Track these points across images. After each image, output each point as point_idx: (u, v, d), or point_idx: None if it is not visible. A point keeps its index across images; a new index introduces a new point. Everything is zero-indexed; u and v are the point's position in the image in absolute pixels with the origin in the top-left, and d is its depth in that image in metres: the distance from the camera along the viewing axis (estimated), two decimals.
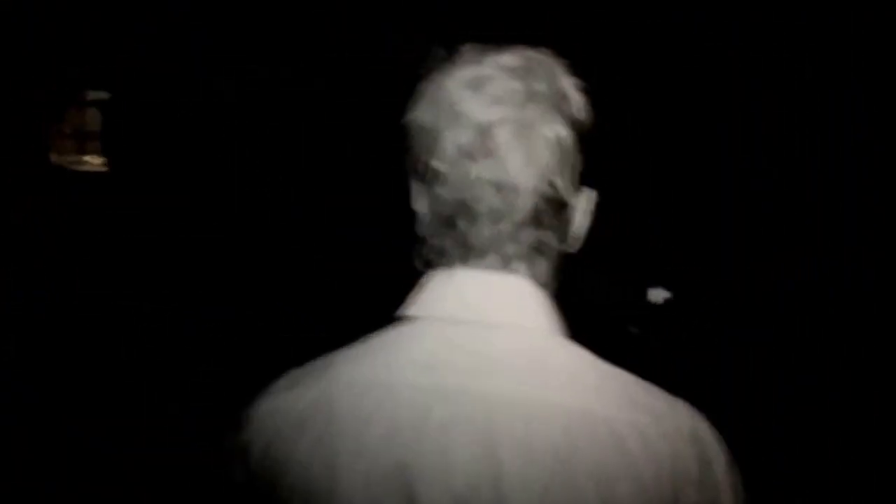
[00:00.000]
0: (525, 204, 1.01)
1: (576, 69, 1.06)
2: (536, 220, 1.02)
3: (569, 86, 1.06)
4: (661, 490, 0.94)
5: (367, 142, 6.38)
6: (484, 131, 1.00)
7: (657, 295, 3.91)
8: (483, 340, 0.98)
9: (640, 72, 5.25)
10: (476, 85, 1.01)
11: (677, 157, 5.03)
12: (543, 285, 1.05)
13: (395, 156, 1.18)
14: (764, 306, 4.69)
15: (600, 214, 1.14)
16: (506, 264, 1.02)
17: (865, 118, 4.82)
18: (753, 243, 4.90)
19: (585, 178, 1.08)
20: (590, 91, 1.08)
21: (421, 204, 1.06)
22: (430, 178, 1.03)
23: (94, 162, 9.39)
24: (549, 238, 1.05)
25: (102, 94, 8.52)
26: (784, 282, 4.79)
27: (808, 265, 4.86)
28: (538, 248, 1.04)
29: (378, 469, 0.93)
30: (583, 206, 1.10)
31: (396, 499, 0.91)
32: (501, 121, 1.00)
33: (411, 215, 1.13)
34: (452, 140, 1.00)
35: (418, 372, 0.96)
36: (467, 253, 1.03)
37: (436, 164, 1.02)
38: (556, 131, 1.02)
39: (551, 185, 1.02)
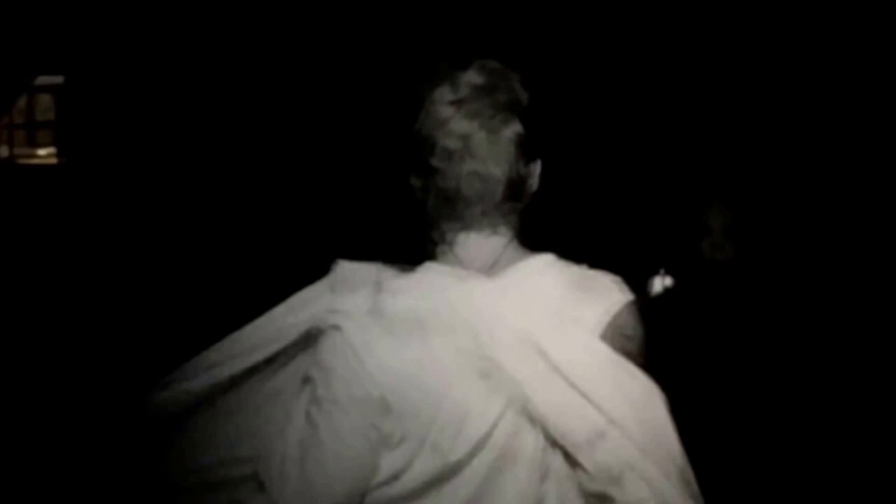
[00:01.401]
0: (501, 187, 1.45)
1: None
2: (510, 195, 1.47)
3: (520, 89, 1.49)
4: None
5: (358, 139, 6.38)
6: (466, 139, 1.43)
7: (660, 283, 3.89)
8: (459, 281, 1.46)
9: (640, 72, 5.28)
10: (458, 105, 1.43)
11: (677, 157, 5.06)
12: (516, 235, 1.51)
13: (391, 157, 1.59)
14: (763, 304, 4.72)
15: (599, 214, 1.62)
16: (494, 230, 1.48)
17: (865, 118, 4.85)
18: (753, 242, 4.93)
19: (539, 150, 1.51)
20: (536, 86, 1.49)
21: (424, 193, 1.49)
22: (430, 173, 1.46)
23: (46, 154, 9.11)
24: (517, 203, 1.50)
25: (55, 79, 8.12)
26: (783, 280, 4.82)
27: (807, 264, 4.91)
28: (511, 212, 1.49)
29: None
30: (535, 173, 1.53)
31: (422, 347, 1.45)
32: (478, 129, 1.43)
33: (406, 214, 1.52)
34: (444, 146, 1.43)
35: (425, 293, 1.46)
36: (462, 224, 1.47)
37: (435, 162, 1.44)
38: (515, 129, 1.45)
39: (517, 169, 1.46)
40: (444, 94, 1.47)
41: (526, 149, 1.48)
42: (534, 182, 1.54)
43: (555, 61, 5.40)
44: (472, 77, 1.48)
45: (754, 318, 4.24)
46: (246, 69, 6.68)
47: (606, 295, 1.49)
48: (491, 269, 1.48)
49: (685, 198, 4.20)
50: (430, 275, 1.50)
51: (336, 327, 1.50)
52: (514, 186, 1.48)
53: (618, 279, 1.54)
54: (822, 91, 5.33)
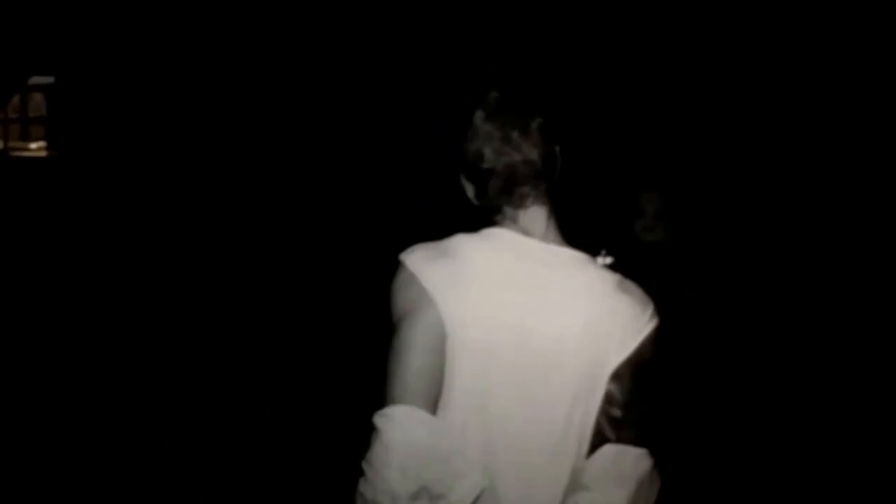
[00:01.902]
0: (539, 167, 1.79)
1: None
2: (546, 172, 1.81)
3: (535, 95, 1.84)
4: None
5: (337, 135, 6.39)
6: (507, 139, 1.79)
7: (601, 262, 3.92)
8: (527, 241, 1.81)
9: (641, 73, 5.30)
10: (493, 118, 1.81)
11: (675, 156, 5.08)
12: (553, 208, 1.85)
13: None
14: (761, 303, 4.76)
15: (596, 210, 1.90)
16: (541, 203, 1.81)
17: (865, 118, 4.88)
18: (750, 240, 4.97)
19: (557, 135, 1.84)
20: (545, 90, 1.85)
21: (480, 189, 1.82)
22: (485, 173, 1.80)
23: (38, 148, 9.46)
24: (552, 179, 1.83)
25: (47, 79, 8.58)
26: (781, 277, 4.87)
27: (801, 262, 4.94)
28: (548, 187, 1.82)
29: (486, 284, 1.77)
30: (558, 153, 1.85)
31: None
32: (513, 130, 1.80)
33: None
34: (491, 150, 1.80)
35: (504, 250, 1.79)
36: (518, 202, 1.81)
37: (487, 165, 1.80)
38: (539, 121, 1.80)
39: (547, 151, 1.80)
40: (480, 115, 1.84)
41: (548, 135, 1.83)
42: (559, 160, 1.87)
43: (499, 52, 5.49)
44: (494, 94, 1.85)
45: (753, 317, 4.26)
46: (222, 72, 6.77)
47: (644, 310, 1.81)
48: (544, 237, 1.84)
49: (622, 184, 4.32)
50: (495, 229, 1.84)
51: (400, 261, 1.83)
52: (549, 164, 1.82)
53: (650, 301, 1.83)
54: (748, 85, 5.39)
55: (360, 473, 1.67)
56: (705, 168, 5.05)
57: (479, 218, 1.86)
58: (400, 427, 1.69)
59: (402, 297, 1.79)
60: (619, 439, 1.75)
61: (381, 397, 1.65)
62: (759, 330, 4.69)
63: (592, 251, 1.87)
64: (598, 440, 1.76)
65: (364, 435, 1.65)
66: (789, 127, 5.24)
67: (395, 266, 1.74)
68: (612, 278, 1.83)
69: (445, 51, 5.74)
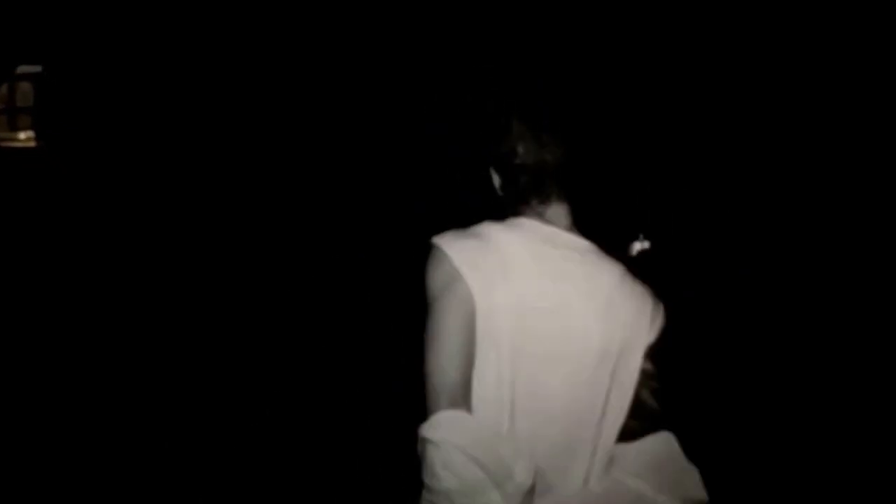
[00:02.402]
0: (565, 165, 1.93)
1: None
2: (570, 164, 1.94)
3: (537, 95, 2.01)
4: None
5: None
6: (538, 139, 1.94)
7: (638, 246, 4.05)
8: (552, 230, 1.94)
9: (640, 73, 5.30)
10: (527, 118, 1.96)
11: (675, 156, 5.09)
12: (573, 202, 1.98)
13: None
14: (761, 303, 4.78)
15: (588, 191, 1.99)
16: (564, 197, 1.95)
17: (865, 118, 4.90)
18: (750, 240, 4.99)
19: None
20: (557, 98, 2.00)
21: (510, 182, 1.96)
22: (517, 168, 1.94)
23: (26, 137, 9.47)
24: (571, 171, 1.97)
25: (35, 68, 8.57)
26: (781, 277, 4.89)
27: (801, 262, 4.96)
28: (569, 180, 1.96)
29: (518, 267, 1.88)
30: (582, 153, 2.00)
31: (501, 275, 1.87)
32: (541, 128, 1.94)
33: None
34: (524, 149, 1.94)
35: (532, 238, 1.91)
36: (545, 197, 1.94)
37: (519, 161, 1.95)
38: (557, 120, 1.94)
39: (568, 145, 1.94)
40: (513, 116, 1.99)
41: (573, 136, 1.97)
42: (582, 160, 2.02)
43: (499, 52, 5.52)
44: (518, 101, 2.01)
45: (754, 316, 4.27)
46: (216, 67, 6.79)
47: (656, 304, 1.97)
48: (566, 230, 1.97)
49: (637, 177, 4.38)
50: (522, 219, 1.97)
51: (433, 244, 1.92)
52: (573, 163, 1.97)
53: (659, 301, 1.98)
54: (746, 85, 5.44)
55: (418, 490, 1.71)
56: (704, 168, 5.07)
57: (482, 217, 1.95)
58: (451, 430, 1.72)
59: (435, 276, 1.87)
60: (660, 409, 1.93)
61: (379, 398, 1.64)
62: (759, 329, 4.72)
63: (608, 241, 1.95)
64: (632, 418, 1.90)
65: (362, 435, 1.65)
66: (789, 127, 5.26)
67: (393, 266, 1.71)
68: (622, 269, 1.98)
69: (445, 51, 5.74)
